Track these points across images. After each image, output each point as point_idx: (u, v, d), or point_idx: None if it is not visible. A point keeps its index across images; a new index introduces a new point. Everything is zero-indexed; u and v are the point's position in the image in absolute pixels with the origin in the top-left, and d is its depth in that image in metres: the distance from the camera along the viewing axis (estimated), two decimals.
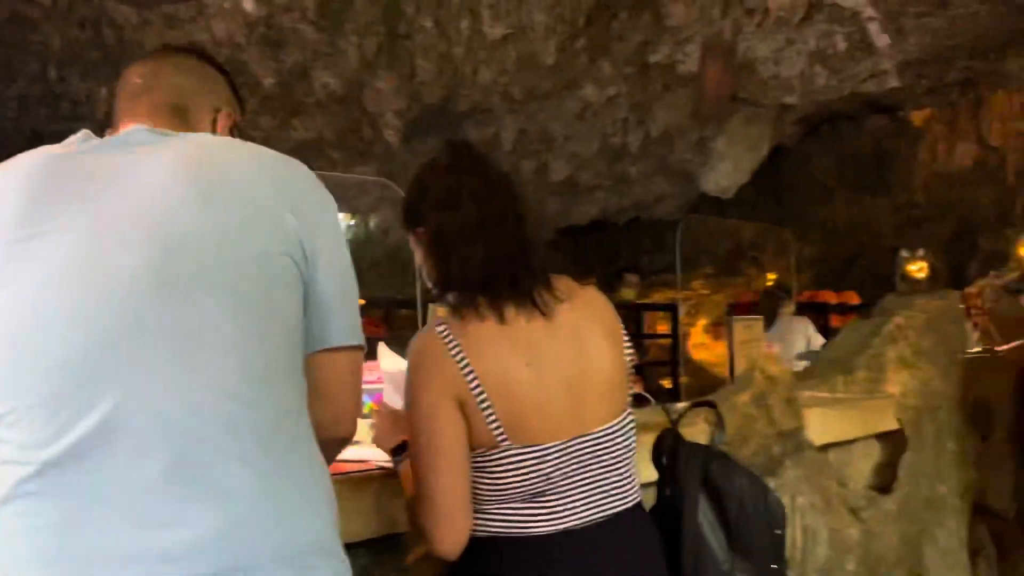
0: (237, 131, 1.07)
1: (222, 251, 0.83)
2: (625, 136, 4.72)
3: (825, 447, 2.50)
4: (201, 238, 0.82)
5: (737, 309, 9.45)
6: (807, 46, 4.08)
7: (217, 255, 0.83)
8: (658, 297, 10.23)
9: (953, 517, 2.88)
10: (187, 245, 0.82)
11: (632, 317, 9.54)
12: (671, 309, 8.20)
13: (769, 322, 4.12)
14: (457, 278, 1.17)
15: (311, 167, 0.99)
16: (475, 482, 1.15)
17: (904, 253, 4.66)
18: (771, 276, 9.59)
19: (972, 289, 6.57)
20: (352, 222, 5.88)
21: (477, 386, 1.11)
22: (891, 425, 2.73)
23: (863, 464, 2.74)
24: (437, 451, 1.11)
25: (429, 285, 1.27)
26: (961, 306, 4.73)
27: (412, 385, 1.14)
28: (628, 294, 6.30)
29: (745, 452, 2.10)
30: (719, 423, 1.32)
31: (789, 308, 4.95)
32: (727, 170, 4.88)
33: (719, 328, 9.90)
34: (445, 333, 1.14)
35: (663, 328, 9.48)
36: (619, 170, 5.53)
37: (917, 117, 6.53)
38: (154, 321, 0.79)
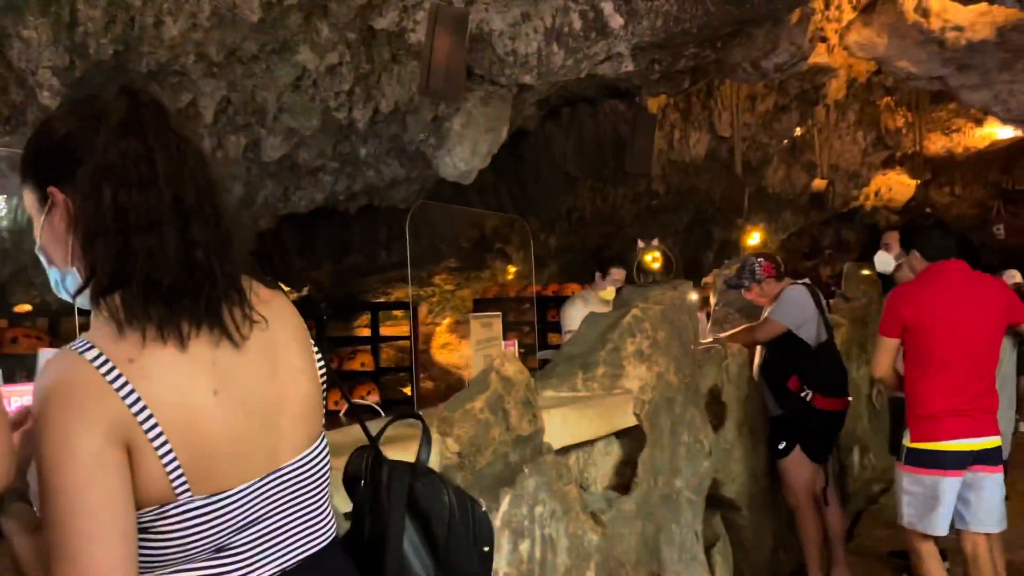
0: None
1: None
2: (351, 111, 4.65)
3: (565, 449, 2.65)
4: None
5: (483, 305, 9.80)
6: (543, 22, 4.31)
7: None
8: (398, 294, 10.32)
9: (688, 511, 3.20)
10: None
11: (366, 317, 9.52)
12: (409, 307, 8.30)
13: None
14: (140, 277, 1.02)
15: None
16: (140, 546, 1.03)
17: (640, 243, 5.13)
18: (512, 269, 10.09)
19: (708, 279, 7.39)
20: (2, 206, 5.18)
21: (152, 425, 0.99)
22: (630, 421, 2.96)
23: (604, 464, 2.95)
24: (94, 513, 0.96)
25: (63, 281, 1.10)
26: (696, 296, 5.32)
27: (55, 428, 0.97)
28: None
29: (480, 462, 2.16)
30: (425, 437, 1.33)
31: None
32: (465, 154, 5.00)
33: (466, 327, 10.24)
34: (97, 358, 1.00)
35: (401, 329, 9.59)
36: (346, 150, 5.44)
37: (653, 104, 7.21)
38: None
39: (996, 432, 3.21)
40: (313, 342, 1.23)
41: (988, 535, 3.25)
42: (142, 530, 1.01)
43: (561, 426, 2.55)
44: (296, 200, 5.91)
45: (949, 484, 3.17)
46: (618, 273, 5.38)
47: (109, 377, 0.98)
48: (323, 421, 1.22)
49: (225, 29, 3.59)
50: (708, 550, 3.44)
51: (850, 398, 4.18)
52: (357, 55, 4.29)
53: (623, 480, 2.94)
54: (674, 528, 3.07)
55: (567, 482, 2.46)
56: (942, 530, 3.23)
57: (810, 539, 4.00)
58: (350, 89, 4.51)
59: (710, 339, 4.18)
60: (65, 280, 1.11)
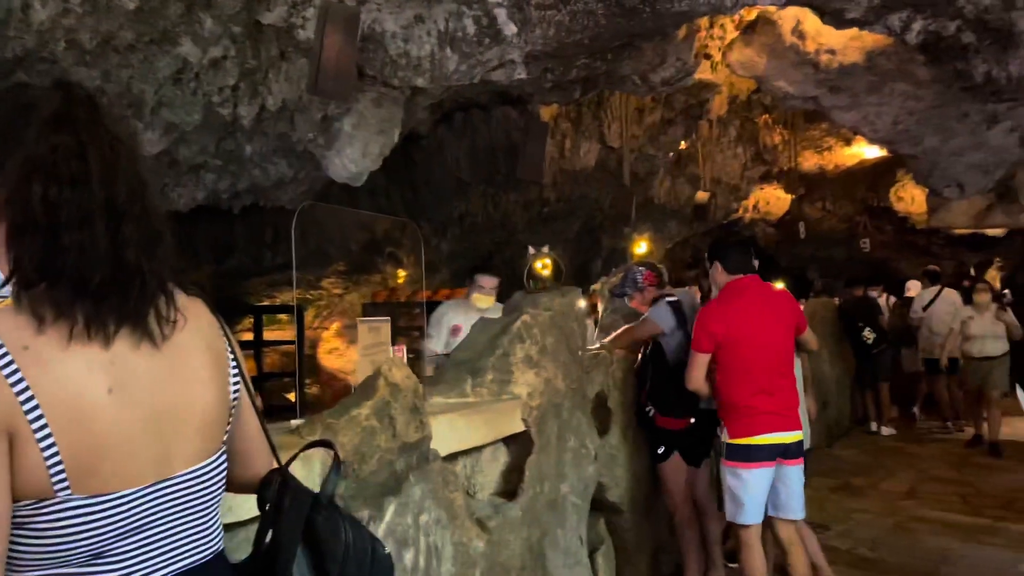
0: None
1: None
2: (236, 107, 4.48)
3: (453, 456, 2.63)
4: None
5: (373, 310, 9.66)
6: (437, 25, 4.29)
7: None
8: (284, 297, 10.04)
9: (574, 515, 3.23)
10: None
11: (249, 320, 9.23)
12: (294, 311, 8.10)
13: None
14: (69, 274, 1.00)
15: None
16: (12, 543, 0.99)
17: (531, 250, 5.16)
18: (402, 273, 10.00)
19: (596, 286, 7.49)
20: None
21: (37, 415, 0.96)
22: (518, 427, 2.97)
23: (491, 470, 2.94)
24: None
25: None
26: (584, 303, 5.39)
27: None
28: None
29: (364, 471, 2.11)
30: (335, 465, 1.28)
31: None
32: (355, 155, 4.91)
33: (354, 331, 10.05)
34: None
35: (287, 334, 9.34)
36: (230, 147, 5.25)
37: (546, 113, 7.29)
38: None
39: (799, 427, 3.61)
40: (233, 357, 1.20)
41: (795, 521, 3.63)
42: (18, 525, 0.98)
43: (449, 432, 2.53)
44: (175, 198, 5.67)
45: (762, 475, 3.53)
46: (491, 281, 5.05)
47: (1, 363, 0.96)
48: (224, 436, 1.18)
49: (99, 16, 3.40)
50: (592, 554, 3.48)
51: (692, 420, 4.05)
52: (243, 50, 4.15)
53: (510, 486, 2.93)
54: (559, 533, 3.09)
55: (453, 489, 2.43)
56: (756, 519, 3.55)
57: (688, 542, 4.11)
58: (235, 84, 4.35)
59: (597, 345, 4.24)
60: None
